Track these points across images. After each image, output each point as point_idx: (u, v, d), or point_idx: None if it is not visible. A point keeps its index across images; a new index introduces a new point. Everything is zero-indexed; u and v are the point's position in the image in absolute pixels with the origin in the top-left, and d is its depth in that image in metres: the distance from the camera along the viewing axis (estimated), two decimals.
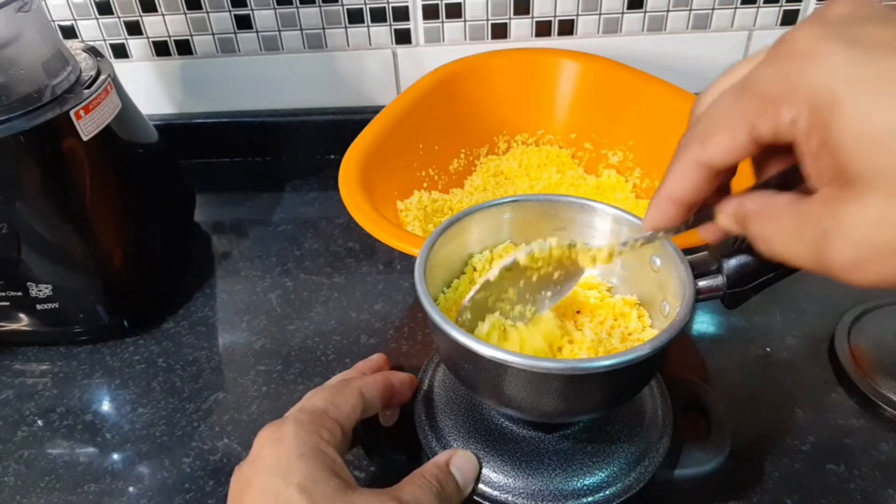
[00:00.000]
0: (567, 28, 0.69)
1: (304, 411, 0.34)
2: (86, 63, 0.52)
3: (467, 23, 0.68)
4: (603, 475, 0.37)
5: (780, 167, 0.28)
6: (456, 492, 0.35)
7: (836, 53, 0.22)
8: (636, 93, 0.61)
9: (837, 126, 0.21)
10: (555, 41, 0.70)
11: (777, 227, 0.25)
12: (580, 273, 0.37)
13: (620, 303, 0.39)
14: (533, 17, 0.68)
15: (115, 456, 0.46)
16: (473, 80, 0.64)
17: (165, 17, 0.69)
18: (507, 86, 0.65)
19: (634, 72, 0.61)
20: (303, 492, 0.30)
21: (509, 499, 0.36)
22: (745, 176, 0.29)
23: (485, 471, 0.37)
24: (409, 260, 0.59)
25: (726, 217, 0.28)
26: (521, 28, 0.69)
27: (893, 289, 0.23)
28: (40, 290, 0.50)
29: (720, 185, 0.28)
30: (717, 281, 0.35)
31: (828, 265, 0.23)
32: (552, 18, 0.68)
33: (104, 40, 0.71)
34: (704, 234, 0.30)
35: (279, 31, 0.70)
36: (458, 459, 0.36)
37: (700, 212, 0.29)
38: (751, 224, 0.26)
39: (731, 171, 0.27)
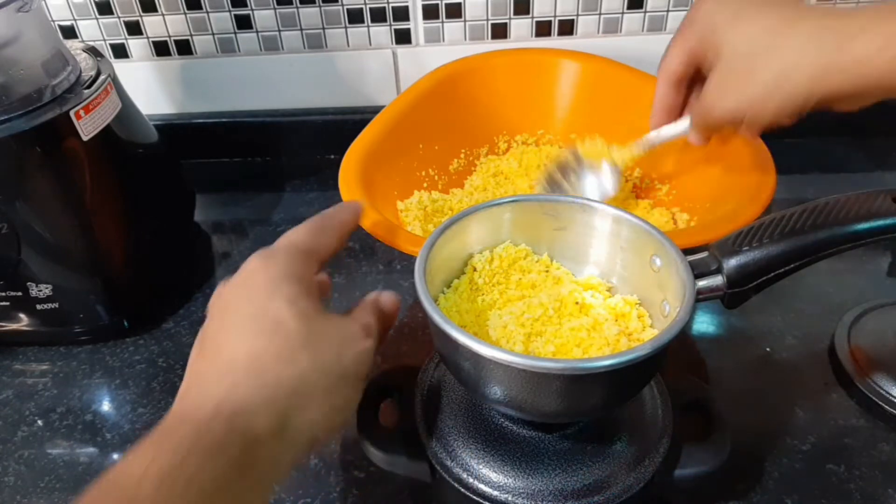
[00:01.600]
0: (567, 28, 0.69)
1: (294, 245, 0.35)
2: (86, 63, 0.52)
3: (467, 23, 0.68)
4: (603, 475, 0.37)
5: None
6: (389, 322, 0.38)
7: (711, 2, 0.44)
8: (637, 93, 0.60)
9: (717, 37, 0.43)
10: (555, 41, 0.70)
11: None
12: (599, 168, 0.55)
13: (621, 303, 0.39)
14: (533, 17, 0.68)
15: (116, 456, 0.46)
16: (474, 80, 0.64)
17: (165, 17, 0.69)
18: (508, 86, 0.65)
19: (635, 72, 0.61)
20: (290, 304, 0.31)
21: (509, 499, 0.36)
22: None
23: (485, 471, 0.37)
24: (409, 260, 0.59)
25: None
26: (521, 28, 0.69)
27: (738, 115, 0.42)
28: (40, 290, 0.50)
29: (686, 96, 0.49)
30: (717, 281, 0.35)
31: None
32: (552, 18, 0.68)
33: (104, 40, 0.71)
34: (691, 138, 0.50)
35: (279, 31, 0.70)
36: (385, 298, 0.38)
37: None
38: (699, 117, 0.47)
39: (688, 82, 0.48)
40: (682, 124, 0.50)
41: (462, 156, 0.64)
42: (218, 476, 0.25)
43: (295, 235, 0.36)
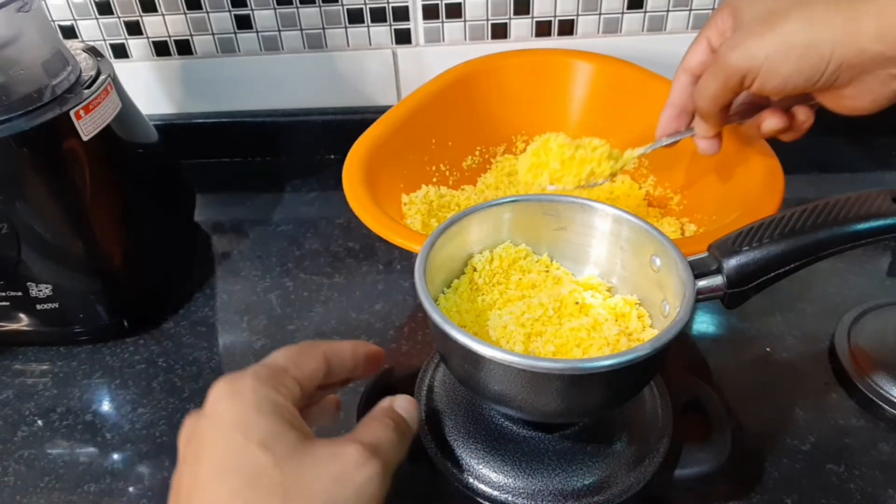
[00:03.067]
0: (567, 28, 0.69)
1: (265, 367, 0.33)
2: (86, 63, 0.52)
3: (467, 23, 0.68)
4: (603, 475, 0.37)
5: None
6: (406, 428, 0.34)
7: None
8: (655, 98, 0.59)
9: (738, 14, 0.42)
10: (555, 41, 0.70)
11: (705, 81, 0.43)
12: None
13: (621, 303, 0.39)
14: (533, 17, 0.68)
15: (115, 456, 0.46)
16: (490, 80, 0.64)
17: (165, 17, 0.69)
18: (525, 86, 0.64)
19: (655, 77, 0.60)
20: (264, 448, 0.29)
21: (509, 499, 0.36)
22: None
23: (485, 471, 0.37)
24: (410, 260, 0.59)
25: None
26: (521, 28, 0.69)
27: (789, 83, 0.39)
28: (40, 290, 0.50)
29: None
30: (717, 281, 0.35)
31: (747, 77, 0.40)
32: (552, 18, 0.68)
33: (104, 40, 0.71)
34: (701, 145, 0.48)
35: (279, 31, 0.70)
36: (399, 401, 0.35)
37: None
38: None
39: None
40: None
41: (477, 153, 0.64)
42: None
43: (269, 356, 0.34)
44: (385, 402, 0.35)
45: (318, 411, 0.35)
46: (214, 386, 0.32)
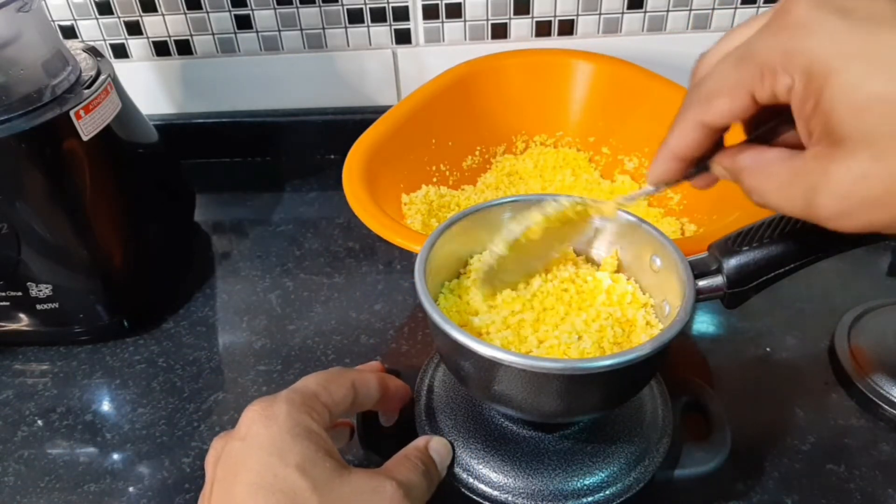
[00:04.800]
0: (567, 28, 0.69)
1: (297, 392, 0.33)
2: (86, 63, 0.52)
3: (467, 23, 0.68)
4: (603, 475, 0.37)
5: (771, 122, 0.29)
6: (436, 473, 0.35)
7: (830, 25, 0.23)
8: (655, 98, 0.60)
9: (830, 94, 0.23)
10: (555, 41, 0.70)
11: (770, 181, 0.27)
12: (584, 230, 0.39)
13: (625, 284, 0.39)
14: (533, 17, 0.68)
15: (115, 456, 0.46)
16: (490, 80, 0.64)
17: (165, 17, 0.69)
18: (525, 86, 0.64)
19: (655, 77, 0.61)
20: (302, 472, 0.29)
21: (509, 499, 0.36)
22: (736, 130, 0.30)
23: (485, 471, 0.37)
24: (409, 260, 0.59)
25: (721, 168, 0.30)
26: (521, 28, 0.69)
27: (871, 233, 0.25)
28: (40, 290, 0.50)
29: (717, 140, 0.30)
30: (717, 281, 0.35)
31: (816, 214, 0.25)
32: (552, 18, 0.68)
33: (104, 40, 0.71)
34: (698, 184, 0.32)
35: (279, 31, 0.70)
36: (435, 443, 0.37)
37: (696, 164, 0.31)
38: (744, 177, 0.29)
39: (727, 128, 0.29)
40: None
41: (477, 153, 0.64)
42: None
43: (300, 381, 0.34)
44: (421, 442, 0.36)
45: (332, 435, 0.36)
46: (248, 409, 0.32)
